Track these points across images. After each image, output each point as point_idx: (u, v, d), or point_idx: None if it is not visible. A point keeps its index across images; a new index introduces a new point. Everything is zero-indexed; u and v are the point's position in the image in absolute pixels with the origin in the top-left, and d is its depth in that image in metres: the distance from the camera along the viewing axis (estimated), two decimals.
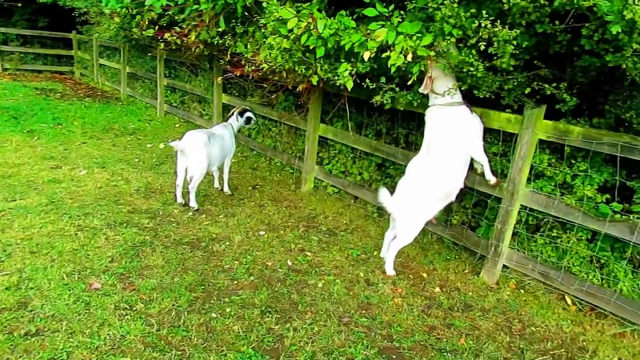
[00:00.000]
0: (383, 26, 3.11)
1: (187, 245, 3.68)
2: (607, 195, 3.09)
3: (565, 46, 3.12)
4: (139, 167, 5.58)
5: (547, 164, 3.31)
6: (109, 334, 2.53)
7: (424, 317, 2.96)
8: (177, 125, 8.00)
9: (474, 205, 3.86)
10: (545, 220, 3.39)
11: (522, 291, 3.35)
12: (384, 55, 3.11)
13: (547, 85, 3.08)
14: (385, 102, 3.55)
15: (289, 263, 3.53)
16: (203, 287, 3.10)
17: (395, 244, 3.46)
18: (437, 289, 3.32)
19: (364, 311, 2.98)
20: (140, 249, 3.53)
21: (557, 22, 2.96)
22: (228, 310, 2.85)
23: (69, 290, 2.89)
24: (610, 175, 3.12)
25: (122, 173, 5.26)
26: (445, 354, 2.61)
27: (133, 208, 4.30)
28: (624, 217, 2.94)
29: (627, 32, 2.49)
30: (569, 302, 3.18)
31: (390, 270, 3.47)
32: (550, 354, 2.70)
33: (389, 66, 3.05)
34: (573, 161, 3.25)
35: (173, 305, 2.86)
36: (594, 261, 3.18)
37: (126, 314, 2.72)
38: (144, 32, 6.24)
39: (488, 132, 3.50)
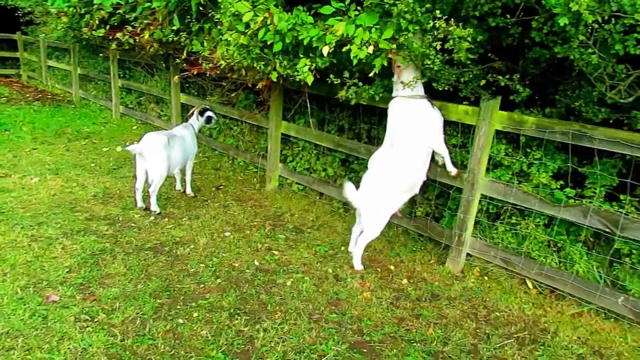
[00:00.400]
0: (341, 20, 3.12)
1: (149, 250, 3.57)
2: (561, 182, 3.22)
3: (516, 39, 3.22)
4: (95, 172, 5.36)
5: (504, 154, 3.42)
6: (69, 348, 2.41)
7: (393, 309, 2.99)
8: (135, 128, 7.74)
9: (436, 197, 3.94)
10: (505, 208, 3.50)
11: (486, 278, 3.44)
12: (344, 49, 3.11)
13: (501, 77, 3.17)
14: (350, 96, 3.55)
15: (257, 263, 3.49)
16: (168, 292, 3.01)
17: (362, 239, 3.48)
18: (405, 281, 3.37)
19: (333, 307, 2.98)
20: (100, 257, 3.39)
21: (508, 16, 3.06)
22: (195, 315, 2.79)
23: (24, 305, 2.74)
24: (563, 162, 3.25)
25: (78, 179, 5.04)
26: (415, 344, 2.65)
27: (91, 215, 4.12)
28: (577, 202, 3.07)
29: (574, 24, 2.60)
30: (530, 285, 3.30)
31: (358, 265, 3.49)
32: (514, 337, 2.79)
33: (352, 58, 3.05)
34: (528, 150, 3.37)
35: (137, 313, 2.76)
36: (552, 245, 3.32)
37: (87, 326, 2.61)
38: (94, 32, 5.99)
39: (447, 124, 3.56)
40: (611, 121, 3.07)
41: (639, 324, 2.83)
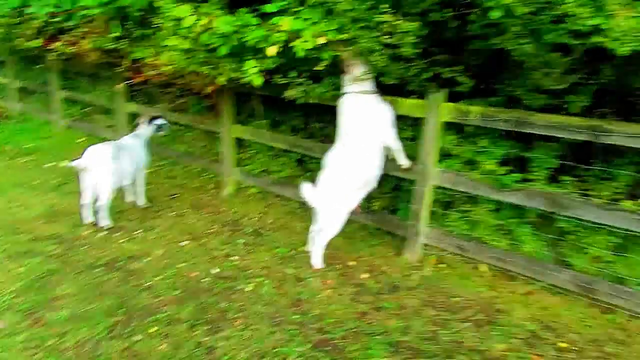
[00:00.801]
0: (284, 16, 3.09)
1: (102, 267, 3.43)
2: (509, 167, 3.33)
3: (457, 32, 3.32)
4: (39, 189, 5.09)
5: (453, 144, 3.51)
6: None
7: (354, 305, 3.01)
8: (81, 140, 7.39)
9: (392, 190, 4.00)
10: (457, 196, 3.60)
11: (443, 265, 3.52)
12: (290, 44, 3.09)
13: (445, 70, 3.26)
14: (298, 95, 3.54)
15: (215, 270, 3.42)
16: (123, 309, 2.90)
17: (321, 237, 3.49)
18: (365, 275, 3.40)
19: (295, 308, 2.97)
20: (48, 279, 3.22)
21: (449, 10, 3.14)
22: (153, 329, 2.70)
23: None
24: (508, 148, 3.38)
25: (20, 198, 4.77)
26: (377, 336, 2.68)
27: (35, 235, 3.91)
28: (522, 185, 3.19)
29: (507, 17, 2.71)
30: (484, 269, 3.41)
31: (318, 264, 3.50)
32: (471, 320, 2.87)
33: (297, 51, 3.03)
34: (475, 139, 3.48)
35: (91, 334, 2.65)
36: (502, 229, 3.44)
37: (37, 353, 2.48)
38: (29, 43, 5.69)
39: (398, 118, 3.61)
40: (549, 107, 3.21)
41: (583, 296, 2.99)
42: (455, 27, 3.26)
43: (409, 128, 3.73)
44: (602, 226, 2.96)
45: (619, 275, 2.93)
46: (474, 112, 3.24)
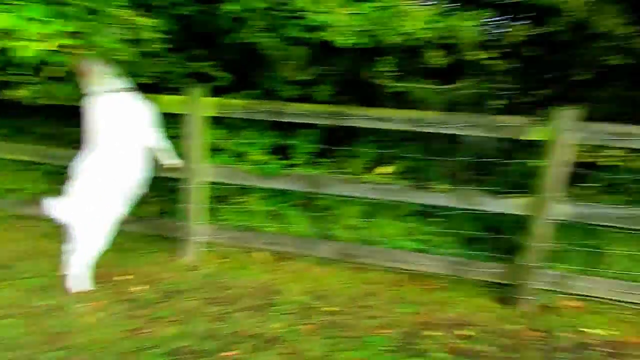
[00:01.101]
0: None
1: None
2: (275, 156, 3.52)
3: (208, 26, 3.32)
4: None
5: (221, 138, 3.53)
6: None
7: (127, 322, 2.74)
8: None
9: (164, 192, 3.81)
10: (231, 189, 3.65)
11: (225, 260, 3.52)
12: (8, 43, 2.59)
13: (201, 64, 3.24)
14: (30, 95, 3.02)
15: None
16: None
17: (81, 256, 3.06)
18: (139, 287, 3.13)
19: (55, 344, 2.54)
20: None
21: (194, 4, 3.11)
22: None
23: None
24: (272, 138, 3.57)
25: None
26: (153, 349, 2.50)
27: None
28: (287, 171, 3.41)
29: (246, 11, 2.82)
30: (262, 255, 3.54)
31: (83, 285, 3.07)
32: (252, 307, 2.94)
33: (14, 55, 2.56)
34: (242, 131, 3.57)
35: None
36: (273, 214, 3.63)
37: None
38: None
39: (165, 116, 3.43)
40: (302, 97, 3.51)
41: (344, 262, 3.38)
42: (205, 22, 3.26)
43: (173, 126, 3.58)
44: (353, 198, 3.40)
45: (370, 238, 3.42)
46: (236, 106, 3.30)
